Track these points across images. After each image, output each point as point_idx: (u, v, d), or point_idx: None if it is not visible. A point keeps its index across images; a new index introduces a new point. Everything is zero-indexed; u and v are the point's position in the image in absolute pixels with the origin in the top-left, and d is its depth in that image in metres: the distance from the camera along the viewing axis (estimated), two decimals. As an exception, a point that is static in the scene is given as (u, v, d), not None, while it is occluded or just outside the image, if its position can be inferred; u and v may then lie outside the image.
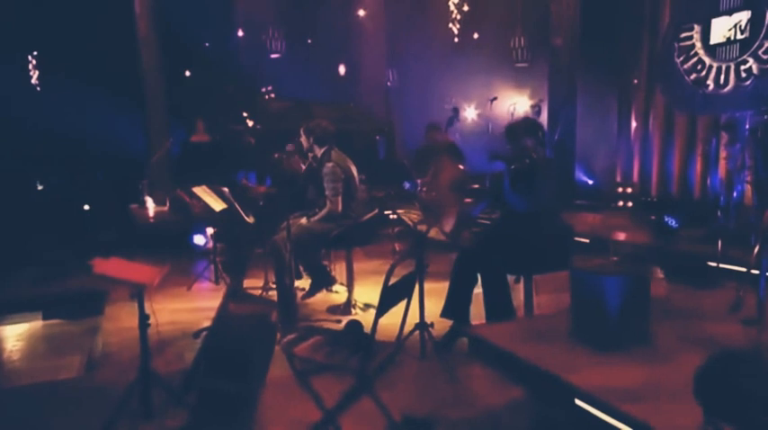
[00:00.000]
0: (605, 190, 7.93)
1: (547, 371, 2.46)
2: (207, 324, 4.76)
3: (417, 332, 3.94)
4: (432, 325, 3.97)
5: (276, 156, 4.75)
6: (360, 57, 10.79)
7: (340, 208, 4.82)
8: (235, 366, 2.31)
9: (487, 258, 3.92)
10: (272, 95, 9.55)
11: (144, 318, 3.13)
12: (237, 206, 4.55)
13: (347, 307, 5.05)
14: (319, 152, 5.01)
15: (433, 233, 3.85)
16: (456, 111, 7.74)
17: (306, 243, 4.79)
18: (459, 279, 4.09)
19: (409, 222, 3.99)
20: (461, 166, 7.70)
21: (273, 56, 10.00)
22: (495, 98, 8.20)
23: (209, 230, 7.09)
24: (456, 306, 4.10)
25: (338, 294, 5.38)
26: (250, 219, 4.65)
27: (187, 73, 10.02)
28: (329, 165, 4.83)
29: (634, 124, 7.95)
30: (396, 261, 3.18)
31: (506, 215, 4.18)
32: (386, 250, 7.15)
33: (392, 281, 2.74)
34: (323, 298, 5.24)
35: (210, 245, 7.01)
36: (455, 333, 4.10)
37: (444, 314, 4.11)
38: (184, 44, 9.75)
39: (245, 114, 9.40)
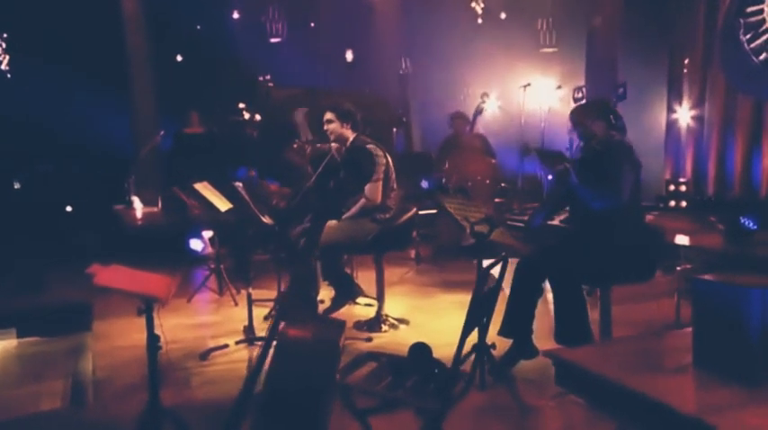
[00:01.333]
0: (653, 188, 7.57)
1: (679, 410, 2.06)
2: (213, 342, 4.41)
3: (474, 355, 3.52)
4: (494, 346, 3.57)
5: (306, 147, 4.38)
6: (371, 40, 10.45)
7: (379, 198, 4.45)
8: (299, 413, 1.91)
9: (558, 267, 3.52)
10: (271, 84, 9.15)
11: (153, 340, 2.72)
12: (253, 205, 4.15)
13: (376, 322, 4.72)
14: (350, 139, 4.61)
15: (497, 236, 3.44)
16: (485, 98, 7.35)
17: (336, 247, 4.41)
18: (520, 291, 3.71)
19: (464, 222, 3.58)
20: (493, 161, 7.34)
21: (273, 40, 9.64)
22: (528, 84, 7.84)
23: (207, 234, 6.79)
24: (517, 323, 3.71)
25: (364, 307, 4.99)
26: (267, 220, 4.24)
27: (179, 57, 9.62)
28: (370, 147, 4.49)
29: (687, 113, 7.59)
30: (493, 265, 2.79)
31: (578, 215, 3.78)
32: (403, 256, 6.80)
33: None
34: (346, 312, 4.89)
35: (209, 250, 6.70)
36: (516, 354, 3.70)
37: (503, 332, 3.71)
38: (175, 25, 9.47)
39: (241, 106, 9.01)
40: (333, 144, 4.83)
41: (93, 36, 8.84)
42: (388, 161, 4.58)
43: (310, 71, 9.77)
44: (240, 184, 4.23)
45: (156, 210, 8.15)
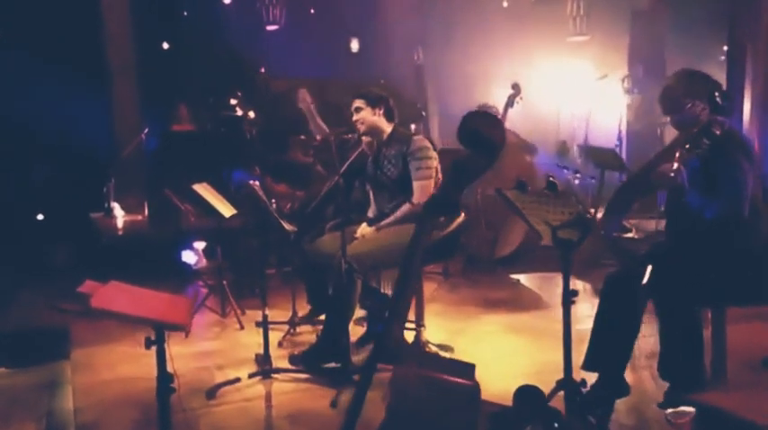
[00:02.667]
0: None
1: None
2: (221, 376, 3.95)
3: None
4: (583, 383, 3.09)
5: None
6: (379, 27, 10.00)
7: None
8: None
9: (666, 285, 3.04)
10: (265, 75, 8.76)
11: (165, 380, 2.22)
12: (273, 210, 3.69)
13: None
14: (386, 131, 4.15)
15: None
16: (517, 88, 6.91)
17: (376, 261, 3.99)
18: (610, 313, 3.22)
19: (541, 226, 3.10)
20: (530, 159, 6.89)
21: (270, 28, 9.29)
22: (561, 74, 7.52)
23: (199, 245, 6.37)
24: (605, 352, 3.23)
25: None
26: (290, 227, 3.77)
27: (165, 45, 9.22)
28: (417, 138, 4.11)
29: (748, 106, 7.21)
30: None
31: (682, 223, 3.28)
32: (426, 269, 6.32)
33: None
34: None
35: (203, 263, 6.29)
36: (602, 392, 3.21)
37: (588, 365, 3.23)
38: (161, 8, 9.09)
39: (233, 101, 8.59)
40: (364, 138, 4.37)
41: (67, 22, 8.36)
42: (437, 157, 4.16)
43: (311, 61, 9.32)
44: (257, 184, 3.74)
45: (139, 218, 7.77)
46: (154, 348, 2.22)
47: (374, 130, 4.23)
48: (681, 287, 3.05)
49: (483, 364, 3.95)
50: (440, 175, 4.20)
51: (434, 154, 4.14)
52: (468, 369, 1.71)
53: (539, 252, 6.68)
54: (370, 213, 4.33)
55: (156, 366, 2.24)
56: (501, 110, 6.94)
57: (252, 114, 8.12)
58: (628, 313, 3.22)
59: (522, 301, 5.55)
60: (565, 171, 7.38)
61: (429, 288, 5.83)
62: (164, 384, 2.24)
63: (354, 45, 10.52)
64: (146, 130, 7.95)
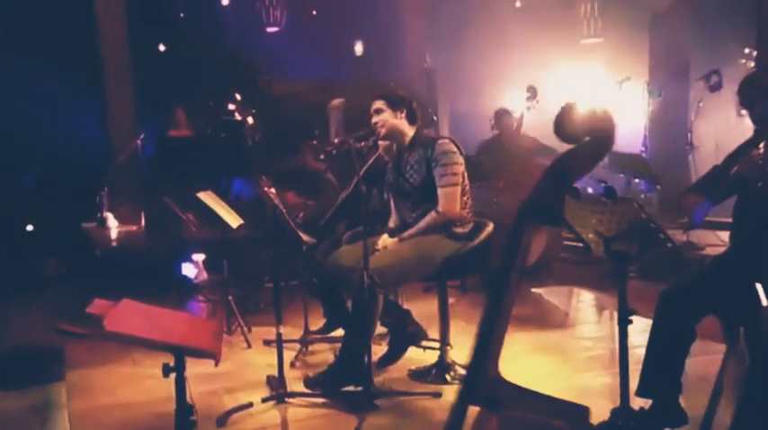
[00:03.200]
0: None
1: None
2: (231, 400, 3.74)
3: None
4: (643, 411, 2.86)
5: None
6: (385, 30, 9.97)
7: (458, 208, 3.87)
8: None
9: (739, 302, 2.81)
10: (267, 78, 8.65)
11: (185, 412, 2.00)
12: (289, 219, 3.47)
13: (440, 371, 4.05)
14: (408, 134, 3.98)
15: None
16: (533, 91, 6.76)
17: (400, 274, 3.79)
18: (664, 333, 3.01)
19: (591, 236, 2.88)
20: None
21: (270, 29, 9.27)
22: (579, 77, 7.40)
23: (198, 257, 6.19)
24: (659, 378, 3.01)
25: (418, 350, 4.34)
26: (308, 238, 3.56)
27: (161, 47, 9.07)
28: (441, 142, 3.90)
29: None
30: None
31: (748, 229, 3.07)
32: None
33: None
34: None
35: (203, 277, 6.10)
36: (657, 420, 2.99)
37: (643, 391, 3.01)
38: (157, 9, 9.08)
39: (231, 107, 8.49)
40: (381, 142, 4.19)
41: (59, 20, 8.31)
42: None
43: (313, 65, 9.23)
44: (272, 190, 3.53)
45: (134, 228, 7.68)
46: (172, 376, 1.99)
47: (395, 134, 4.03)
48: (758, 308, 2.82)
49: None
50: (466, 181, 4.00)
51: (460, 158, 3.95)
52: (580, 412, 1.49)
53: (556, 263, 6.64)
54: (392, 223, 4.14)
55: (176, 396, 2.03)
56: (519, 114, 6.83)
57: (251, 120, 8.03)
58: (684, 333, 3.00)
59: (548, 318, 5.41)
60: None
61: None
62: (183, 416, 2.02)
63: (358, 48, 10.50)
64: (141, 136, 7.85)
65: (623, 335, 2.75)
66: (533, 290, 6.12)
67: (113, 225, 7.66)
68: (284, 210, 3.52)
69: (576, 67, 9.21)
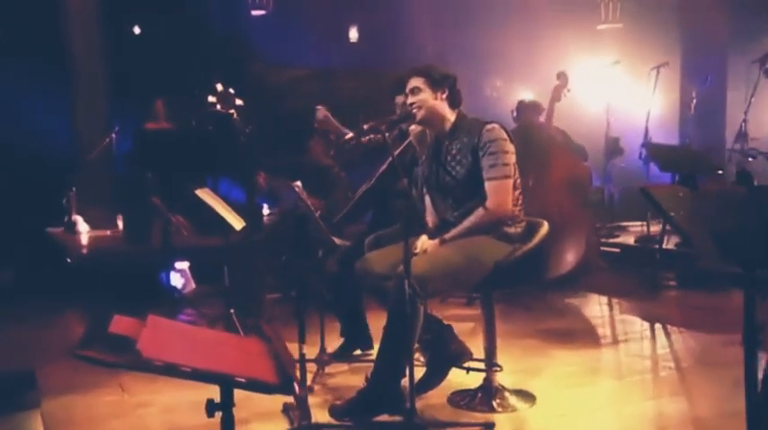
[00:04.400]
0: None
1: None
2: None
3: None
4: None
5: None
6: (382, 14, 9.78)
7: (509, 204, 3.58)
8: None
9: None
10: (260, 65, 8.44)
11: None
12: (317, 218, 3.14)
13: (487, 397, 3.73)
14: (450, 119, 3.69)
15: None
16: (563, 78, 6.47)
17: (443, 282, 3.49)
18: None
19: (701, 240, 2.55)
20: (580, 161, 6.43)
21: (256, 13, 9.04)
22: (617, 61, 7.29)
23: (182, 265, 6.12)
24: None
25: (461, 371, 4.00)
26: (341, 242, 3.24)
27: (136, 29, 8.81)
28: (490, 127, 3.59)
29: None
30: None
31: None
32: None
33: None
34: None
35: (192, 287, 6.08)
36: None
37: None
38: None
39: (211, 99, 8.22)
40: (413, 127, 3.89)
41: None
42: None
43: (304, 52, 9.13)
44: (299, 183, 3.18)
45: (108, 233, 7.54)
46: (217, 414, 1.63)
47: (435, 118, 3.71)
48: None
49: (584, 416, 3.57)
50: (517, 174, 3.68)
51: (512, 146, 3.64)
52: None
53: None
54: (430, 223, 3.81)
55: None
56: (546, 104, 6.54)
57: (233, 112, 7.76)
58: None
59: (593, 333, 5.17)
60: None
61: (464, 314, 5.36)
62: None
63: (353, 34, 10.31)
64: (116, 129, 7.75)
65: (751, 359, 2.41)
66: (568, 301, 5.85)
67: (84, 230, 7.50)
68: (311, 207, 3.15)
69: (602, 53, 9.09)
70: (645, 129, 6.85)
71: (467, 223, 3.59)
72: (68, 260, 6.54)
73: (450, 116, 3.71)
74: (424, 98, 3.66)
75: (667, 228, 6.16)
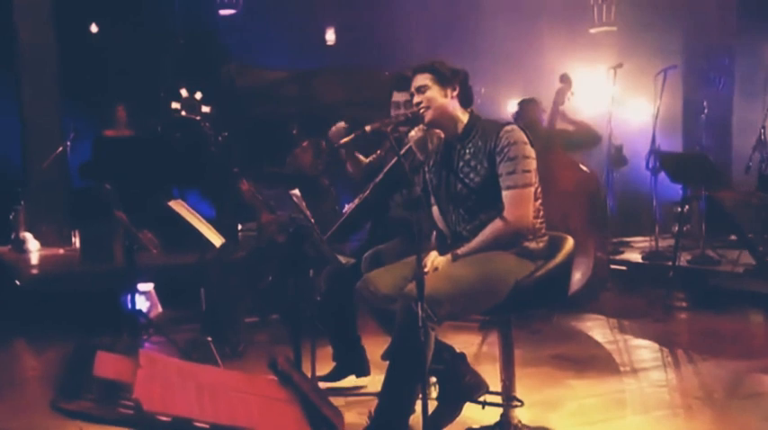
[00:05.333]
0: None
1: None
2: None
3: None
4: None
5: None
6: (362, 16, 9.84)
7: (530, 217, 3.38)
8: None
9: None
10: (232, 67, 8.28)
11: None
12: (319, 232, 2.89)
13: None
14: (462, 121, 3.49)
15: None
16: (567, 80, 6.34)
17: (455, 304, 3.23)
18: None
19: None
20: (588, 168, 6.29)
21: (224, 12, 9.03)
22: (620, 65, 7.15)
23: (144, 287, 5.91)
24: None
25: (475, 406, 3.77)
26: (346, 260, 3.00)
27: (93, 28, 8.67)
28: (508, 129, 3.38)
29: None
30: None
31: None
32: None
33: None
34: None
35: (158, 311, 5.89)
36: None
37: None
38: None
39: (174, 106, 8.18)
40: (412, 133, 3.63)
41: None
42: None
43: (281, 55, 9.14)
44: (298, 193, 2.93)
45: (62, 252, 7.51)
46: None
47: (445, 119, 3.48)
48: None
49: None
50: (537, 182, 3.45)
51: (533, 151, 3.41)
52: None
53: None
54: (438, 236, 3.60)
55: None
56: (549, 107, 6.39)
57: (200, 118, 7.68)
58: None
59: (610, 360, 4.99)
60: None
61: (470, 340, 5.20)
62: None
63: (330, 36, 10.48)
64: (71, 136, 7.69)
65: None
66: (574, 323, 5.69)
67: (34, 248, 7.49)
68: (314, 221, 2.89)
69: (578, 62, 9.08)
70: (652, 137, 6.72)
71: (482, 237, 3.35)
72: (17, 282, 6.34)
73: (463, 116, 3.48)
74: (432, 97, 3.43)
75: (680, 243, 6.01)
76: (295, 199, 2.99)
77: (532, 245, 3.39)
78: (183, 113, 8.03)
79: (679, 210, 6.90)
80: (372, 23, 9.64)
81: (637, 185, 7.57)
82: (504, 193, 3.34)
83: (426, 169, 3.68)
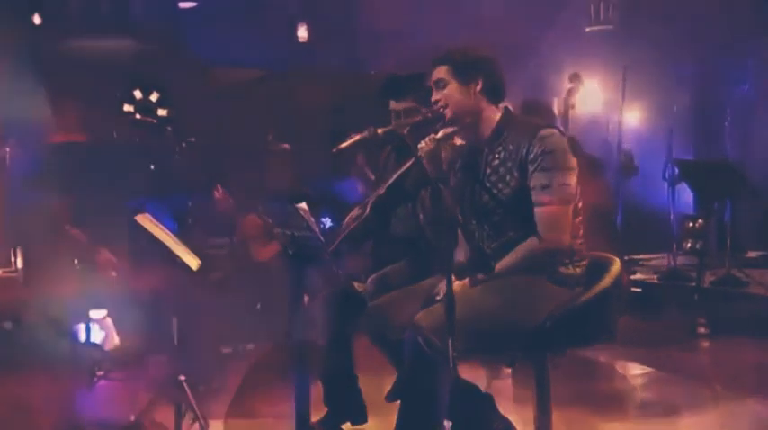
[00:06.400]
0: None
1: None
2: None
3: None
4: None
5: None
6: (339, 11, 9.75)
7: (568, 237, 3.10)
8: None
9: None
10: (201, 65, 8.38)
11: None
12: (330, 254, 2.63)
13: None
14: (492, 120, 3.20)
15: None
16: (577, 80, 6.23)
17: (485, 337, 3.00)
18: None
19: None
20: (598, 179, 6.21)
21: (184, 5, 9.02)
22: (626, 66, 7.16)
23: (97, 314, 5.68)
24: None
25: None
26: (360, 286, 2.71)
27: (36, 19, 8.34)
28: (547, 133, 3.08)
29: None
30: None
31: None
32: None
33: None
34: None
35: (115, 343, 5.63)
36: None
37: None
38: None
39: (127, 108, 8.01)
40: (422, 144, 3.25)
41: None
42: None
43: (249, 52, 8.97)
44: (305, 206, 2.61)
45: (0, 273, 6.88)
46: None
47: (467, 118, 3.17)
48: None
49: None
50: (579, 196, 3.15)
51: (574, 161, 3.13)
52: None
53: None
54: (460, 257, 3.24)
55: None
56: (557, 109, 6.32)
57: (155, 120, 7.60)
58: None
59: (642, 399, 4.82)
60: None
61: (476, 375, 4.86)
62: None
63: (302, 32, 10.19)
64: (10, 142, 7.12)
65: None
66: (592, 353, 5.38)
67: None
68: (322, 237, 2.57)
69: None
70: (668, 144, 6.51)
71: (511, 259, 3.07)
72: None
73: (493, 114, 3.18)
74: (451, 94, 3.15)
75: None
76: (302, 212, 2.66)
77: (569, 270, 3.12)
78: (138, 116, 7.84)
79: (691, 225, 6.74)
80: (348, 19, 9.58)
81: (648, 197, 7.39)
82: (537, 210, 3.03)
83: (451, 174, 3.37)
